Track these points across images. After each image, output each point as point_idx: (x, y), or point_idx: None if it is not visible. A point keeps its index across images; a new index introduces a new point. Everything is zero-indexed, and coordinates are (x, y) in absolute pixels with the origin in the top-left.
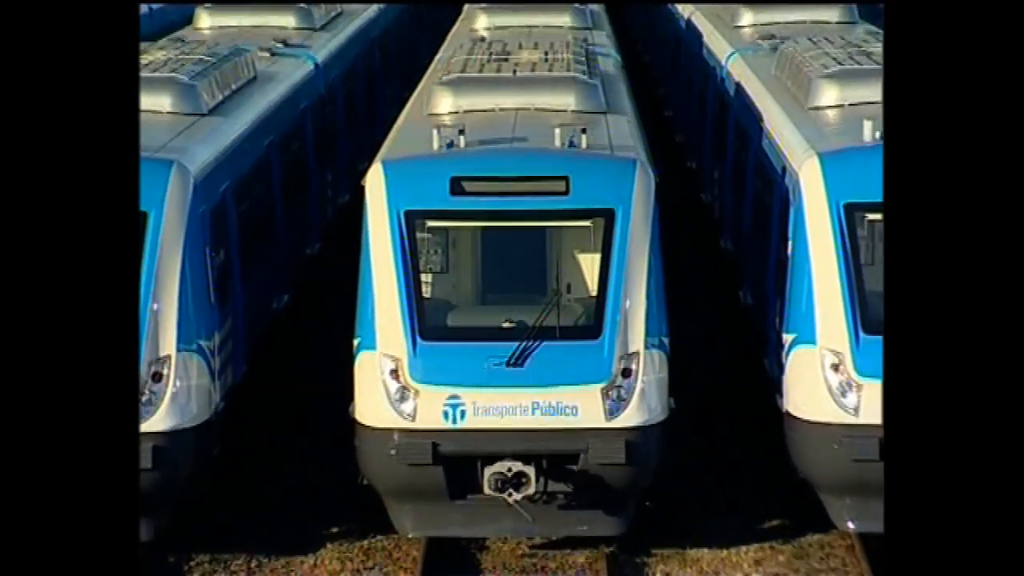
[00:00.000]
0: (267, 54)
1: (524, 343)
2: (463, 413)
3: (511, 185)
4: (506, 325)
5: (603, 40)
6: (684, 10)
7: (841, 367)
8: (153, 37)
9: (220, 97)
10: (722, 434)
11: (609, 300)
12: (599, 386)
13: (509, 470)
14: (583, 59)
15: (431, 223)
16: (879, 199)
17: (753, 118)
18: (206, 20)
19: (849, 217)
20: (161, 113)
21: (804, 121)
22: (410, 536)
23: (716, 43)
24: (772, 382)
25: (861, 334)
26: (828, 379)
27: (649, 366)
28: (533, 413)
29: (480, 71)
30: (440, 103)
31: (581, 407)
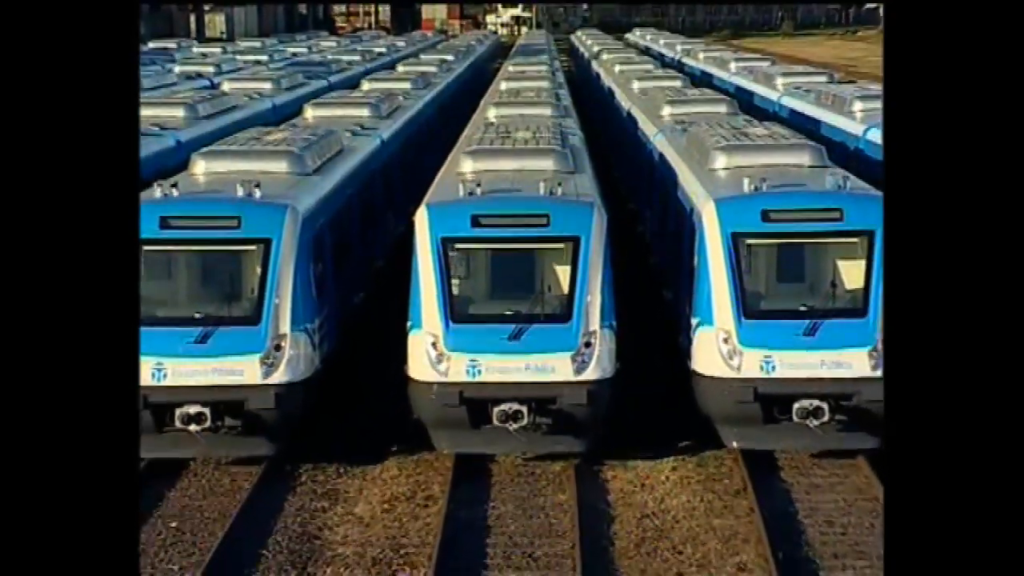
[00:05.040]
0: (349, 134)
1: (520, 325)
2: (480, 371)
3: (511, 220)
4: (508, 313)
5: (572, 124)
6: (626, 104)
7: (729, 340)
8: (276, 123)
9: (319, 162)
10: (650, 386)
11: (576, 296)
12: (570, 354)
13: (510, 408)
14: (559, 136)
15: (458, 245)
16: (754, 229)
17: (671, 176)
18: (310, 113)
19: (734, 241)
20: (280, 173)
21: (705, 178)
22: (445, 452)
23: (647, 126)
24: (683, 351)
25: (742, 319)
26: (720, 348)
27: (603, 340)
28: (526, 371)
29: (491, 144)
30: (464, 165)
31: (558, 367)
